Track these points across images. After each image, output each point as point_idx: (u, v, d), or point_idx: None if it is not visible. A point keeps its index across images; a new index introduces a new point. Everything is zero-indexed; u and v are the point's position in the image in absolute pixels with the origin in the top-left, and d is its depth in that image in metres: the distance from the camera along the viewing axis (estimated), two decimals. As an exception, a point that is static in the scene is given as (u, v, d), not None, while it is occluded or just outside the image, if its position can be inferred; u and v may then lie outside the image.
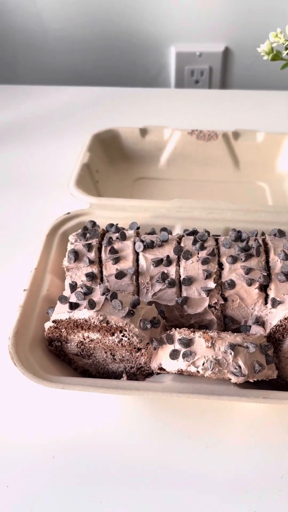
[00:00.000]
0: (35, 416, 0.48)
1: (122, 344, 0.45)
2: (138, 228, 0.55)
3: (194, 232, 0.53)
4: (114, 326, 0.44)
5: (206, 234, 0.52)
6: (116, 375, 0.49)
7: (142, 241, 0.51)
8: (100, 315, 0.44)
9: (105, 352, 0.47)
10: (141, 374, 0.48)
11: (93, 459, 0.45)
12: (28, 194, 0.72)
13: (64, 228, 0.58)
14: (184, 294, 0.49)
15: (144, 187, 0.75)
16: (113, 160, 0.77)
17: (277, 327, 0.46)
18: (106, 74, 1.09)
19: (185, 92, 1.02)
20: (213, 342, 0.44)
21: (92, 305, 0.44)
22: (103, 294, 0.45)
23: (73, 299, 0.46)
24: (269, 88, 1.02)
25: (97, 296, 0.45)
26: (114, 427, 0.47)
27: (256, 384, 0.46)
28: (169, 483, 0.43)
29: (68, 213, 0.60)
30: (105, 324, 0.44)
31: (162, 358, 0.45)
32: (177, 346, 0.44)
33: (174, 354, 0.44)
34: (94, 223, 0.54)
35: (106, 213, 0.60)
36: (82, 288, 0.46)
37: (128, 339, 0.45)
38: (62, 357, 0.50)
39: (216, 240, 0.52)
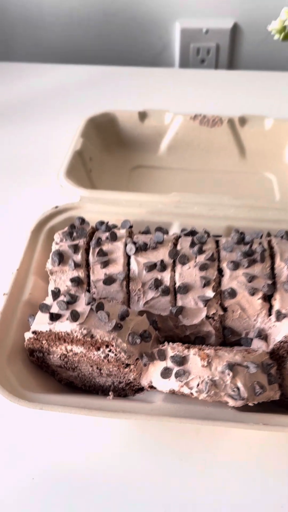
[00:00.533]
0: (11, 438, 0.44)
1: (108, 359, 0.41)
2: (131, 227, 0.50)
3: (192, 233, 0.48)
4: (100, 340, 0.40)
5: (206, 235, 0.47)
6: (104, 389, 0.45)
7: (135, 243, 0.46)
8: (84, 329, 0.39)
9: (91, 366, 0.43)
10: (130, 389, 0.44)
11: (77, 485, 0.41)
12: (13, 182, 0.67)
13: (52, 224, 0.53)
14: (180, 303, 0.44)
15: (142, 176, 0.69)
16: (109, 147, 0.72)
17: (281, 343, 0.41)
18: (105, 52, 1.02)
19: (190, 73, 0.95)
20: (210, 361, 0.39)
21: (75, 316, 0.40)
22: (88, 303, 0.41)
23: (55, 309, 0.41)
24: (281, 70, 0.95)
25: (82, 306, 0.41)
26: (100, 449, 0.43)
27: (257, 406, 0.41)
28: (160, 509, 0.39)
29: (56, 206, 0.55)
30: (89, 339, 0.40)
31: (153, 375, 0.41)
32: (169, 363, 0.40)
33: (166, 373, 0.40)
34: (82, 220, 0.49)
35: (98, 208, 0.55)
36: (65, 296, 0.42)
37: (115, 354, 0.40)
38: (44, 368, 0.45)
39: (217, 242, 0.47)
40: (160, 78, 0.91)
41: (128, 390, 0.44)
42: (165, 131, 0.72)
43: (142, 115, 0.72)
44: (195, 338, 0.46)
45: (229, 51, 1.01)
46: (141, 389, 0.44)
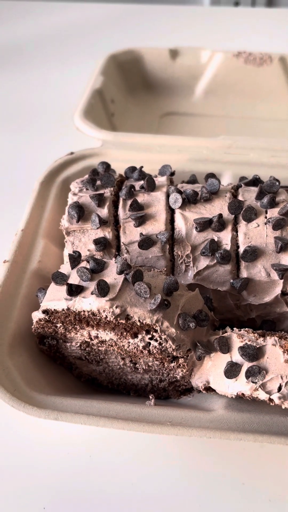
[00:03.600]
0: (18, 449, 0.32)
1: (149, 350, 0.29)
2: (172, 174, 0.37)
3: (256, 181, 0.36)
4: (138, 323, 0.28)
5: (277, 183, 0.34)
6: (138, 388, 0.34)
7: (180, 192, 0.34)
8: (117, 307, 0.28)
9: (123, 359, 0.31)
10: (174, 390, 0.33)
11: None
12: (23, 129, 0.54)
13: (66, 174, 0.42)
14: (245, 274, 0.32)
15: (174, 125, 0.57)
16: (134, 90, 0.59)
17: None
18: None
19: (223, 11, 0.81)
20: (296, 354, 0.27)
21: (103, 290, 0.28)
22: (121, 272, 0.29)
23: (75, 279, 0.29)
24: None
25: (112, 275, 0.29)
26: (132, 467, 0.31)
27: None
28: None
29: (72, 153, 0.43)
30: (123, 321, 0.28)
31: (211, 373, 0.29)
32: (237, 357, 0.28)
33: (232, 371, 0.28)
34: (108, 166, 0.37)
35: (124, 155, 0.43)
36: (88, 262, 0.30)
37: (160, 343, 0.29)
38: (59, 360, 0.34)
39: (289, 194, 0.35)
40: (189, 17, 0.77)
41: (171, 391, 0.33)
42: (202, 72, 0.60)
43: (174, 53, 0.60)
44: (262, 323, 0.34)
45: (269, -10, 0.87)
46: (189, 390, 0.32)
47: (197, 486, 0.31)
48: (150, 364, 0.31)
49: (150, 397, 0.31)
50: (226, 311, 0.34)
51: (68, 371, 0.35)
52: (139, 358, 0.31)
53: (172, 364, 0.30)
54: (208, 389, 0.30)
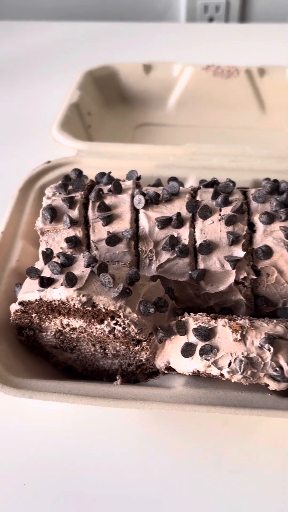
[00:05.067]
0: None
1: (114, 335, 0.33)
2: (138, 178, 0.41)
3: (214, 183, 0.39)
4: (103, 310, 0.31)
5: (231, 184, 0.38)
6: (110, 374, 0.37)
7: (144, 194, 0.37)
8: (83, 295, 0.31)
9: (93, 345, 0.35)
10: (142, 373, 0.36)
11: (76, 487, 0.32)
12: (4, 142, 0.58)
13: (43, 181, 0.45)
14: (201, 265, 0.36)
15: (148, 135, 0.61)
16: (110, 103, 0.63)
17: None
18: (104, 11, 0.93)
19: (198, 27, 0.86)
20: (244, 333, 0.31)
21: (71, 281, 0.31)
22: (88, 265, 0.32)
23: (46, 272, 0.33)
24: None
25: (80, 268, 0.32)
26: (107, 445, 0.35)
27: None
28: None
29: (49, 162, 0.46)
30: (90, 308, 0.31)
31: (171, 354, 0.33)
32: (192, 338, 0.32)
33: (188, 350, 0.31)
34: (80, 172, 0.41)
35: (97, 162, 0.46)
36: (59, 257, 0.33)
37: (123, 328, 0.32)
38: (36, 350, 0.37)
39: (244, 194, 0.39)
40: (165, 33, 0.82)
41: (139, 375, 0.36)
42: (174, 84, 0.63)
43: (147, 68, 0.64)
44: (220, 309, 0.37)
45: (240, 7, 0.92)
46: (155, 373, 0.36)
47: (165, 460, 0.34)
48: (117, 348, 0.34)
49: (117, 378, 0.34)
50: (187, 300, 0.37)
51: (45, 360, 0.38)
52: (108, 344, 0.34)
53: (137, 348, 0.34)
54: (169, 368, 0.33)
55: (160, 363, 0.33)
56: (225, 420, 0.36)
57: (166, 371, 0.33)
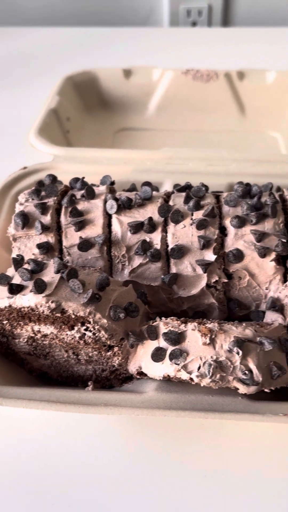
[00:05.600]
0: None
1: (85, 341, 0.32)
2: (112, 183, 0.41)
3: (187, 187, 0.40)
4: (73, 316, 0.31)
5: (203, 188, 0.38)
6: (84, 379, 0.37)
7: (116, 200, 0.37)
8: (52, 302, 0.31)
9: (66, 351, 0.35)
10: (116, 378, 0.36)
11: (50, 494, 0.32)
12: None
13: (19, 187, 0.45)
14: (174, 270, 0.36)
15: (128, 139, 0.61)
16: (90, 108, 0.63)
17: (303, 314, 0.33)
18: (88, 16, 0.93)
19: (181, 31, 0.86)
20: (213, 337, 0.31)
21: (40, 287, 0.31)
22: (58, 271, 0.32)
23: (16, 279, 0.33)
24: (280, 25, 0.86)
25: (50, 275, 0.32)
26: (81, 452, 0.35)
27: (274, 392, 0.33)
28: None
29: (25, 167, 0.46)
30: (59, 314, 0.31)
31: (143, 359, 0.33)
32: (162, 343, 0.32)
33: (158, 355, 0.31)
34: (54, 178, 0.41)
35: (74, 168, 0.47)
36: (29, 264, 0.33)
37: (93, 334, 0.32)
38: (10, 356, 0.37)
39: (217, 198, 0.39)
40: (147, 38, 0.82)
41: (113, 380, 0.36)
42: (154, 89, 0.64)
43: (127, 72, 0.64)
44: (194, 313, 0.37)
45: (223, 11, 0.92)
46: (129, 378, 0.36)
47: (141, 464, 0.34)
48: (90, 354, 0.34)
49: (89, 384, 0.34)
50: (160, 304, 0.37)
51: (20, 366, 0.38)
52: (80, 350, 0.34)
53: (109, 353, 0.34)
54: (141, 373, 0.33)
55: (132, 368, 0.33)
56: (201, 423, 0.36)
57: (138, 376, 0.33)
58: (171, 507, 0.32)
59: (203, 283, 0.35)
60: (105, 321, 0.32)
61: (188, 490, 0.33)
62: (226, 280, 0.36)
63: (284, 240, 0.35)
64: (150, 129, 0.62)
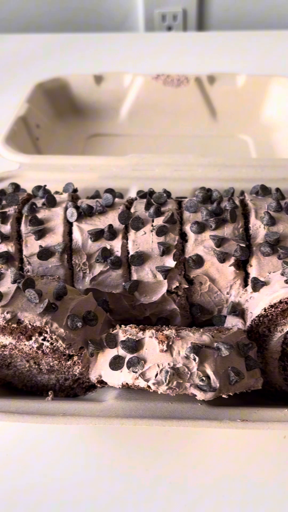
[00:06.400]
0: None
1: (43, 351, 0.32)
2: (75, 191, 0.41)
3: (148, 194, 0.40)
4: (30, 326, 0.31)
5: (165, 195, 0.38)
6: (49, 389, 0.36)
7: (77, 207, 0.37)
8: (7, 312, 0.31)
9: (27, 361, 0.35)
10: (79, 387, 0.36)
11: (10, 503, 0.32)
12: None
13: (-16, 196, 0.45)
14: (134, 277, 0.36)
15: (100, 145, 0.61)
16: (61, 115, 0.63)
17: (261, 319, 0.33)
18: (63, 22, 0.93)
19: (155, 36, 0.87)
20: (170, 343, 0.31)
21: (-4, 298, 0.31)
22: (14, 281, 0.32)
23: (-27, 290, 0.32)
24: (254, 29, 0.87)
25: (6, 285, 0.32)
26: (44, 461, 0.34)
27: (235, 396, 0.33)
28: None
29: (-10, 176, 0.46)
30: (15, 325, 0.31)
31: (103, 367, 0.32)
32: (120, 351, 0.31)
33: (116, 363, 0.31)
34: (17, 187, 0.41)
35: (41, 175, 0.46)
36: (-14, 274, 0.33)
37: (51, 343, 0.32)
38: (-27, 367, 0.37)
39: (179, 204, 0.39)
40: (122, 43, 0.82)
41: (77, 389, 0.36)
42: (125, 94, 0.64)
43: (98, 79, 0.64)
44: (157, 320, 0.37)
45: (197, 15, 0.93)
46: (93, 386, 0.36)
47: (106, 473, 0.34)
48: (51, 364, 0.34)
49: (49, 393, 0.34)
50: (123, 311, 0.37)
51: (-16, 377, 0.37)
52: (40, 359, 0.34)
53: (69, 362, 0.33)
54: (101, 382, 0.33)
55: (93, 376, 0.33)
56: (165, 430, 0.36)
57: (98, 385, 0.33)
58: (132, 515, 0.32)
59: (164, 289, 0.35)
60: (62, 330, 0.31)
61: (154, 497, 0.33)
62: (187, 286, 0.36)
63: (243, 245, 0.35)
64: (122, 134, 0.63)
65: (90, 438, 0.36)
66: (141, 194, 0.40)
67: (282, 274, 0.33)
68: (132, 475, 0.34)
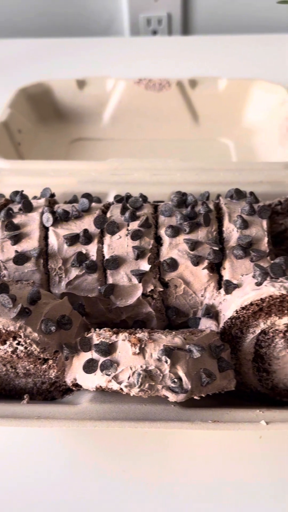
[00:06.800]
0: None
1: (18, 355, 0.33)
2: (52, 195, 0.41)
3: (124, 198, 0.40)
4: (4, 331, 0.32)
5: (141, 199, 0.39)
6: (26, 392, 0.37)
7: (53, 212, 0.38)
8: (-19, 317, 0.31)
9: (4, 365, 0.35)
10: (57, 390, 0.36)
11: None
12: None
13: None
14: (110, 280, 0.36)
15: (83, 149, 0.61)
16: (45, 120, 0.63)
17: (233, 320, 0.33)
18: (48, 27, 0.94)
19: (139, 41, 0.87)
20: (143, 346, 0.31)
21: None
22: (-11, 286, 0.32)
23: None
24: (238, 33, 0.87)
25: (-20, 290, 0.32)
26: (19, 466, 0.35)
27: (210, 397, 0.34)
28: None
29: None
30: (-11, 330, 0.31)
31: (78, 370, 0.33)
32: (94, 354, 0.32)
33: (90, 366, 0.32)
34: (-6, 192, 0.41)
35: (20, 181, 0.47)
36: None
37: (25, 348, 0.32)
38: None
39: (156, 208, 0.40)
40: (107, 48, 0.83)
41: (54, 392, 0.36)
42: (108, 99, 0.64)
43: (81, 83, 0.64)
44: (133, 323, 0.38)
45: (182, 19, 0.93)
46: (70, 390, 0.36)
47: (84, 475, 0.34)
48: (27, 368, 0.35)
49: (24, 397, 0.34)
50: (100, 315, 0.37)
51: None
52: (16, 363, 0.34)
53: (44, 366, 0.34)
54: (76, 385, 0.33)
55: (68, 380, 0.34)
56: (143, 432, 0.37)
57: (73, 388, 0.34)
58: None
59: (139, 292, 0.36)
60: (36, 335, 0.32)
61: (127, 496, 0.33)
62: (161, 289, 0.36)
63: (216, 248, 0.35)
64: (105, 138, 0.63)
65: (67, 441, 0.36)
66: (118, 199, 0.40)
67: (254, 277, 0.33)
68: (107, 476, 0.34)
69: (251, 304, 0.32)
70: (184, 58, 0.81)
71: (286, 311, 0.32)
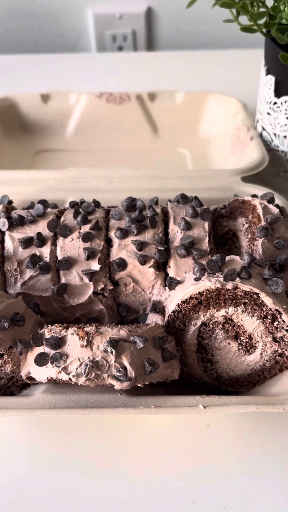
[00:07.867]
0: None
1: (-27, 351, 0.35)
2: (10, 202, 0.44)
3: (76, 204, 0.43)
4: None
5: (93, 204, 0.41)
6: (-13, 389, 0.39)
7: (9, 218, 0.40)
8: None
9: None
10: (14, 385, 0.38)
11: None
12: None
13: None
14: (63, 280, 0.39)
15: (46, 161, 0.64)
16: (9, 132, 0.66)
17: (176, 314, 0.36)
18: (15, 43, 0.97)
19: (102, 57, 0.91)
20: (90, 339, 0.34)
21: None
22: None
23: None
24: (199, 48, 0.92)
25: None
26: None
27: (162, 388, 0.36)
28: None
29: None
30: None
31: (31, 364, 0.35)
32: (45, 348, 0.34)
33: (41, 359, 0.34)
34: None
35: (-18, 190, 0.49)
36: None
37: (-20, 344, 0.34)
38: None
39: (108, 212, 0.42)
40: (72, 63, 0.86)
41: (12, 387, 0.38)
42: (71, 112, 0.67)
43: (45, 97, 0.67)
44: (87, 320, 0.40)
45: (147, 36, 0.97)
46: (27, 384, 0.38)
47: (40, 465, 0.36)
48: (-16, 364, 0.37)
49: (-19, 391, 0.36)
50: (54, 313, 0.40)
51: None
52: (-26, 360, 0.36)
53: None
54: (30, 378, 0.35)
55: (23, 374, 0.36)
56: (99, 423, 0.39)
57: (28, 381, 0.36)
58: (69, 505, 0.34)
59: (90, 291, 0.38)
60: (-10, 331, 0.34)
61: (85, 484, 0.35)
62: (111, 287, 0.39)
63: (161, 248, 0.38)
64: (68, 150, 0.66)
65: (27, 433, 0.38)
66: (72, 204, 0.43)
67: (193, 273, 0.36)
68: (68, 465, 0.36)
69: (191, 297, 0.35)
70: (146, 72, 0.84)
71: (223, 304, 0.35)
